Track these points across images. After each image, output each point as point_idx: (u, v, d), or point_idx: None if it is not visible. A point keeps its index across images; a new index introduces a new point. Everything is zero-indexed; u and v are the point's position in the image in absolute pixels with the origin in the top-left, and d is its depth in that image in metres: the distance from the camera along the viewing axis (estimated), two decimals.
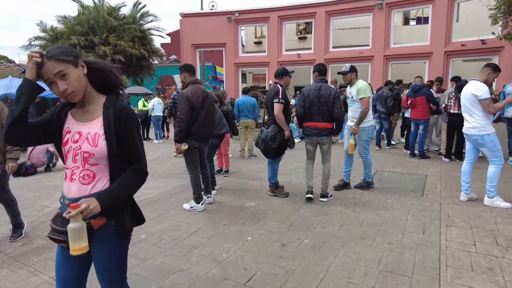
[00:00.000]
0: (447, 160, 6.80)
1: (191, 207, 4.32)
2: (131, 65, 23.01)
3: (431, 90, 7.41)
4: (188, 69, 4.13)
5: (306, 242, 3.28)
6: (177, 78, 24.90)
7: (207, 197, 4.56)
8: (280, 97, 4.39)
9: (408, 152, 7.62)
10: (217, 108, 5.01)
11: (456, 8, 17.09)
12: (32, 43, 21.90)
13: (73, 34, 20.98)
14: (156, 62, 30.66)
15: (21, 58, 32.04)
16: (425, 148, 7.82)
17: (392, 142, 9.03)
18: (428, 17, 18.11)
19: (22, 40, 36.18)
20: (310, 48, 21.44)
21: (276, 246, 3.22)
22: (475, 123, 4.02)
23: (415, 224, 3.61)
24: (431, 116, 7.33)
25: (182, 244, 3.37)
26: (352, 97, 4.83)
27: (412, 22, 23.81)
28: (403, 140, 8.83)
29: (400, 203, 4.31)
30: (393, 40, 18.85)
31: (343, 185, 5.11)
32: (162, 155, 8.66)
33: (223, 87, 24.59)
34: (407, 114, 7.98)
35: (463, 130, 4.26)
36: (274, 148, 4.45)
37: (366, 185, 5.03)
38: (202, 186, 4.47)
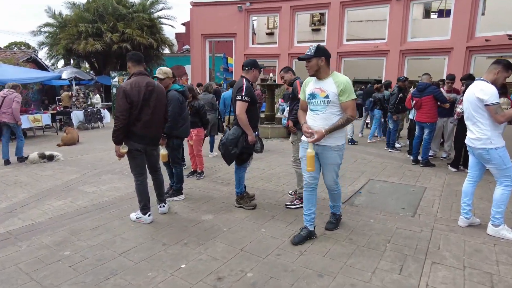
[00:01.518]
0: (453, 170, 5.96)
1: (137, 217, 3.73)
2: None
3: (440, 89, 6.52)
4: (133, 58, 3.49)
5: (248, 277, 2.62)
6: (189, 69, 24.42)
7: (160, 207, 3.96)
8: (243, 94, 3.70)
9: (411, 157, 6.80)
10: (184, 105, 4.37)
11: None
12: (42, 29, 21.80)
13: (81, 21, 20.69)
14: (167, 51, 30.33)
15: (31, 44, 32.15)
16: (431, 154, 6.99)
17: (397, 145, 8.19)
18: (451, 10, 16.80)
19: (33, 27, 36.54)
20: (323, 41, 20.44)
21: (210, 280, 2.58)
22: (479, 134, 3.23)
23: (393, 258, 2.89)
24: (440, 118, 6.47)
25: (103, 268, 2.78)
26: (325, 97, 3.07)
27: (434, 15, 22.34)
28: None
29: (384, 225, 3.58)
30: (411, 34, 17.66)
31: (306, 237, 3.23)
32: None
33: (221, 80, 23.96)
34: (411, 116, 7.12)
35: (466, 141, 3.47)
36: (235, 153, 3.78)
37: (337, 220, 4.06)
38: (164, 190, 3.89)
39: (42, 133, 11.39)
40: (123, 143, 3.39)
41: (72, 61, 23.62)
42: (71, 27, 20.59)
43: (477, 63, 16.22)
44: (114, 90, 17.38)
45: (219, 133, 7.23)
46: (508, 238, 3.19)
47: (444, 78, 7.93)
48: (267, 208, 4.10)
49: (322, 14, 21.62)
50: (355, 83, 22.33)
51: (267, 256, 2.94)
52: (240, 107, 3.71)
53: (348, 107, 3.04)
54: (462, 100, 5.77)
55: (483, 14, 16.51)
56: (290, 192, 4.59)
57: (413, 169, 6.09)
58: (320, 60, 3.06)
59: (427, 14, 22.19)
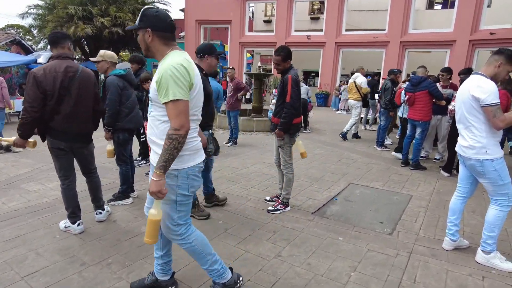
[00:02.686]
0: (446, 174, 5.37)
1: (65, 227, 3.17)
2: (131, 39, 21.88)
3: (436, 84, 5.89)
4: (49, 39, 2.85)
5: None
6: None
7: (96, 214, 3.38)
8: None
9: (400, 157, 6.21)
10: (127, 92, 3.76)
11: None
12: (29, 11, 20.98)
13: (71, 3, 19.85)
14: None
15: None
16: (423, 155, 6.40)
17: (387, 142, 7.60)
18: (455, 1, 15.96)
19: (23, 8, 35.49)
20: (321, 30, 19.67)
21: None
22: (473, 141, 2.62)
23: None
24: (434, 116, 5.85)
25: None
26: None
27: (437, 6, 21.45)
28: None
29: (354, 245, 3.00)
30: (412, 25, 16.87)
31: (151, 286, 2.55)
32: None
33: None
34: (400, 113, 6.49)
35: (456, 148, 2.87)
36: None
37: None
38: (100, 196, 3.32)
39: (17, 120, 10.78)
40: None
41: None
42: (59, 9, 19.77)
43: (480, 58, 15.49)
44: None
45: None
46: (500, 268, 2.62)
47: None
48: (222, 218, 3.52)
49: (322, 3, 20.73)
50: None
51: (200, 286, 2.37)
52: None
53: (170, 115, 1.75)
54: (456, 96, 5.16)
55: (489, 6, 15.71)
56: (267, 198, 4.03)
57: (401, 172, 5.50)
58: (146, 34, 1.83)
59: (430, 5, 21.30)
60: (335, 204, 4.02)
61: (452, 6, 17.24)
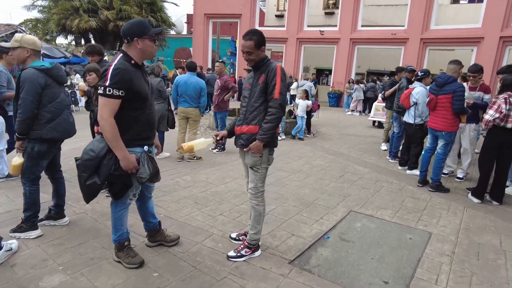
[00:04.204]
0: (476, 200, 4.23)
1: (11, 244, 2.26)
2: None
3: (464, 85, 4.73)
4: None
5: None
6: (192, 51, 22.75)
7: None
8: (107, 83, 2.11)
9: (414, 172, 5.13)
10: (53, 91, 2.81)
11: None
12: (35, 3, 20.54)
13: None
14: (173, 33, 28.81)
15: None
16: (446, 172, 5.26)
17: (382, 148, 6.53)
18: None
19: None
20: (335, 25, 18.44)
21: None
22: None
23: None
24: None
25: None
26: None
27: (463, 1, 19.84)
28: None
29: None
30: (435, 21, 15.44)
31: None
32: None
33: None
34: (406, 117, 5.33)
35: None
36: (92, 185, 2.19)
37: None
38: None
39: None
40: None
41: (68, 38, 22.40)
42: (64, 1, 19.23)
43: (511, 55, 13.99)
44: None
45: (170, 129, 5.70)
46: None
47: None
48: (161, 267, 2.53)
49: None
50: (369, 74, 20.28)
51: None
52: (102, 106, 2.13)
53: None
54: (495, 103, 4.01)
55: None
56: (233, 235, 3.02)
57: (417, 195, 4.39)
58: None
59: None
60: (325, 245, 2.97)
61: (480, 0, 15.73)
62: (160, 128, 5.48)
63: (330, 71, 18.92)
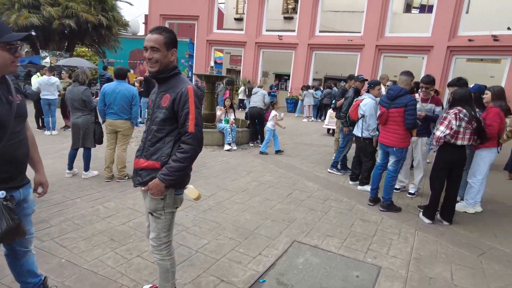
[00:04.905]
0: (427, 221, 3.99)
1: None
2: (87, 34, 19.74)
3: (416, 97, 4.52)
4: None
5: None
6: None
7: None
8: None
9: (365, 188, 4.86)
10: None
11: None
12: None
13: None
14: (127, 33, 27.45)
15: None
16: (397, 187, 5.04)
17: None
18: (433, 6, 15.00)
19: None
20: (294, 30, 18.36)
21: None
22: None
23: None
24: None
25: None
26: None
27: (415, 11, 20.62)
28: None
29: None
30: (389, 28, 15.80)
31: None
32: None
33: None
34: (355, 130, 5.07)
35: None
36: None
37: None
38: None
39: None
40: None
41: None
42: None
43: (458, 65, 14.58)
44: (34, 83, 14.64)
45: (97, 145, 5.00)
46: None
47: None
48: None
49: (297, 1, 19.40)
50: (327, 79, 20.44)
51: None
52: None
53: None
54: (445, 118, 3.79)
55: (467, 12, 14.83)
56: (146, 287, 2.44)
57: (367, 217, 4.07)
58: None
59: (408, 8, 20.44)
60: None
61: (430, 11, 16.34)
62: (86, 145, 4.78)
63: (289, 76, 18.80)
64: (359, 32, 16.34)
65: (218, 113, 7.72)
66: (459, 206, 4.43)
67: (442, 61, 14.11)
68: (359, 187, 5.09)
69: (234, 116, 7.76)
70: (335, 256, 3.11)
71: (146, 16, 32.93)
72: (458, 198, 4.50)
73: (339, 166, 5.94)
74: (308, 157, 7.09)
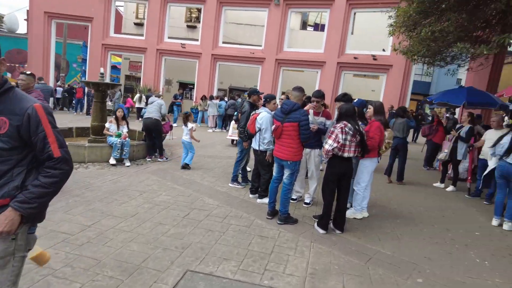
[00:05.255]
0: (321, 231, 4.11)
1: None
2: None
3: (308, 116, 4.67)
4: None
5: None
6: (29, 55, 18.57)
7: None
8: None
9: (265, 201, 4.83)
10: None
11: (352, 17, 15.78)
12: None
13: None
14: (3, 29, 23.57)
15: None
16: (294, 197, 5.15)
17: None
18: (325, 25, 16.52)
19: None
20: (197, 40, 18.10)
21: None
22: None
23: None
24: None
25: None
26: None
27: (310, 28, 22.47)
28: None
29: None
30: (287, 43, 16.78)
31: None
32: None
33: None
34: (253, 143, 5.10)
35: None
36: None
37: None
38: None
39: None
40: None
41: None
42: None
43: (346, 80, 16.26)
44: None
45: None
46: None
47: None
48: None
49: (200, 10, 19.21)
50: (232, 90, 20.70)
51: None
52: None
53: None
54: (333, 132, 3.97)
55: (352, 33, 16.71)
56: None
57: (265, 232, 4.00)
58: None
59: (304, 25, 22.15)
60: None
61: (322, 29, 17.94)
62: None
63: (194, 85, 18.42)
64: (260, 46, 16.96)
65: (107, 125, 6.92)
66: (349, 213, 4.71)
67: (333, 75, 15.53)
68: (258, 200, 5.05)
69: (128, 128, 7.06)
70: (231, 282, 2.89)
71: (28, 11, 28.75)
72: (348, 205, 4.81)
73: (240, 179, 5.84)
74: (210, 171, 6.85)
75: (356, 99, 5.18)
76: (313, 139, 4.71)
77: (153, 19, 17.75)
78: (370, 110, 4.93)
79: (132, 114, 16.55)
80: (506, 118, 9.94)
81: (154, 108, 7.19)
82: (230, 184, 5.77)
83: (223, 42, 17.66)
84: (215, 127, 14.12)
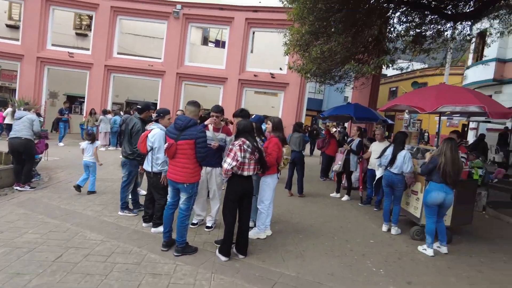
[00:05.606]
0: (223, 258, 3.76)
1: None
2: None
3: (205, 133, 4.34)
4: None
5: None
6: None
7: None
8: None
9: (160, 230, 4.27)
10: None
11: (251, 36, 16.32)
12: None
13: None
14: None
15: None
16: (195, 221, 4.73)
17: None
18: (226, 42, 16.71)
19: None
20: (88, 49, 16.36)
21: None
22: None
23: None
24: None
25: None
26: None
27: (211, 45, 22.56)
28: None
29: None
30: (188, 58, 16.41)
31: None
32: None
33: None
34: (145, 164, 4.56)
35: None
36: None
37: None
38: None
39: None
40: None
41: None
42: None
43: (248, 96, 16.63)
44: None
45: None
46: None
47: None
48: None
49: (91, 18, 17.42)
50: (129, 104, 19.21)
51: None
52: None
53: None
54: (231, 150, 3.72)
55: (251, 52, 17.27)
56: None
57: (159, 268, 3.46)
58: None
59: (205, 41, 22.11)
60: None
61: (223, 46, 18.09)
62: None
63: (84, 98, 16.46)
64: (160, 58, 16.22)
65: None
66: (252, 234, 4.48)
67: (235, 92, 15.70)
68: (153, 230, 4.44)
69: None
70: None
71: None
72: (252, 224, 4.60)
73: (130, 206, 5.13)
74: (97, 197, 5.90)
75: (254, 115, 5.08)
76: (214, 157, 4.40)
77: (31, 22, 15.46)
78: (269, 126, 4.88)
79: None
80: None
81: (24, 125, 5.92)
82: (120, 213, 5.01)
83: (118, 53, 16.35)
84: (108, 145, 12.69)
